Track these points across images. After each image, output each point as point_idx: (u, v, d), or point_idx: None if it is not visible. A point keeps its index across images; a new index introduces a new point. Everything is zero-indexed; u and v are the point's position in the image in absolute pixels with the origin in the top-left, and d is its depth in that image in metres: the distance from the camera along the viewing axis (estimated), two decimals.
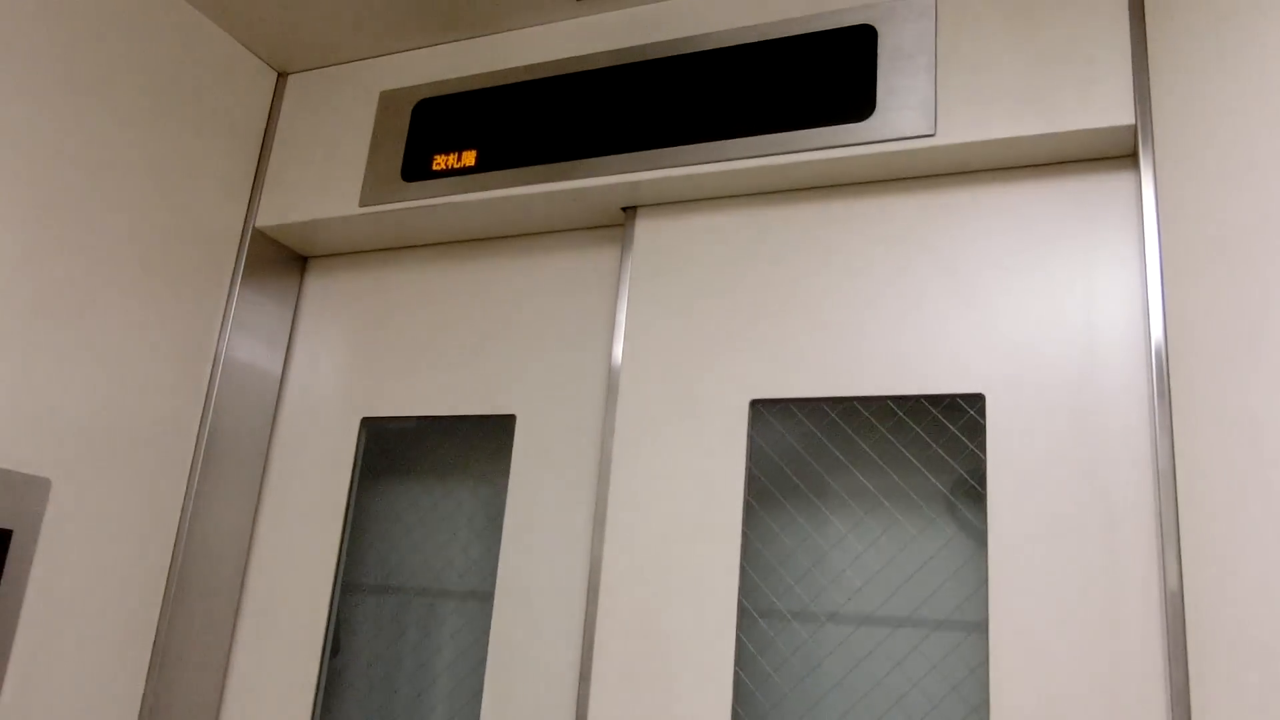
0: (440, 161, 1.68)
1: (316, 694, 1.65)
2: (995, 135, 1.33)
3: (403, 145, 1.73)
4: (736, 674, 1.35)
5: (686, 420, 1.47)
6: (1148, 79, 1.29)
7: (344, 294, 1.88)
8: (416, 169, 1.69)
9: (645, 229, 1.60)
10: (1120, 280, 1.30)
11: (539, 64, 1.66)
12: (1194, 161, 1.21)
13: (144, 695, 1.58)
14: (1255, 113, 1.14)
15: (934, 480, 1.38)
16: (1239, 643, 1.05)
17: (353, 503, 1.75)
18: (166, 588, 1.63)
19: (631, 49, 1.59)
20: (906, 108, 1.38)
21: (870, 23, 1.44)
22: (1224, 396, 1.12)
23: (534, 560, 1.56)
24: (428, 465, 1.76)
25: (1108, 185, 1.34)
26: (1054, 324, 1.31)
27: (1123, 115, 1.28)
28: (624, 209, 1.63)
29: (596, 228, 1.71)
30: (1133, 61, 1.30)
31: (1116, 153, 1.34)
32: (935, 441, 1.38)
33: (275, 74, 1.89)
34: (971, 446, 1.35)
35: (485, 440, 1.72)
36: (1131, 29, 1.31)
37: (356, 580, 1.73)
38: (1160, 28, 1.29)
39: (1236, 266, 1.13)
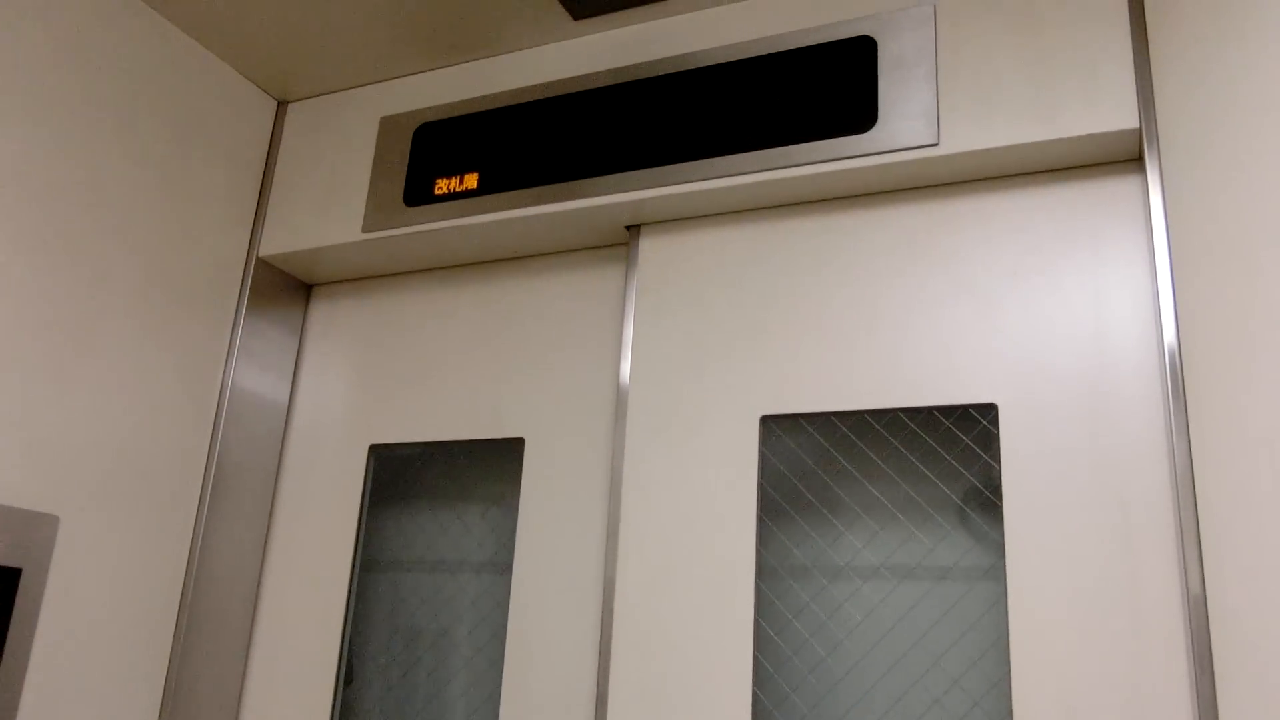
0: (442, 185, 1.68)
1: None
2: (999, 143, 1.33)
3: (404, 170, 1.73)
4: (754, 692, 1.34)
5: (696, 438, 1.46)
6: (1150, 81, 1.28)
7: (349, 320, 1.87)
8: (419, 193, 1.69)
9: (649, 247, 1.59)
10: (1130, 284, 1.29)
11: (539, 85, 1.66)
12: (1201, 162, 1.20)
13: None
14: (1260, 109, 1.13)
15: (948, 491, 1.37)
16: (1267, 647, 1.03)
17: (362, 530, 1.74)
18: (178, 621, 1.61)
19: (631, 67, 1.59)
20: (909, 118, 1.37)
21: (869, 34, 1.43)
22: (1240, 398, 1.10)
23: (547, 582, 1.55)
24: (437, 491, 1.75)
25: (1114, 189, 1.33)
26: (1065, 331, 1.30)
27: (1127, 119, 1.27)
28: (628, 227, 1.62)
29: (600, 247, 1.70)
30: (1135, 64, 1.29)
31: (1122, 157, 1.33)
32: (948, 453, 1.37)
33: (275, 102, 1.90)
34: (985, 457, 1.34)
35: (494, 464, 1.71)
36: (1132, 31, 1.30)
37: (369, 609, 1.72)
38: (1161, 28, 1.29)
39: (1248, 266, 1.12)
